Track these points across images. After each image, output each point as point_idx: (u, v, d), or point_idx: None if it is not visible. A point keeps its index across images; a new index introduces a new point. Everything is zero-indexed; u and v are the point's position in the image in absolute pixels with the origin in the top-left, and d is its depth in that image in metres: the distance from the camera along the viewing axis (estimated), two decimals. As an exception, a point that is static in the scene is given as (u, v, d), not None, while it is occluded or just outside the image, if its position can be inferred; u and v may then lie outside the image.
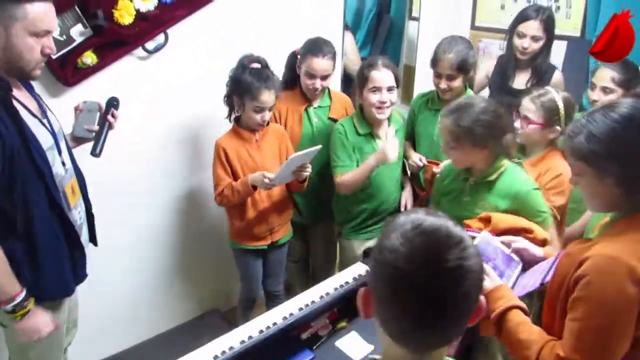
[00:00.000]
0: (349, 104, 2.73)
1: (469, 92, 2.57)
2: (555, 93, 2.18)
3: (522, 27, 2.76)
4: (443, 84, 2.46)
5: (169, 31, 2.33)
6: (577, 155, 1.34)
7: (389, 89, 2.35)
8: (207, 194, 2.65)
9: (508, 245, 1.78)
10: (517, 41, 2.80)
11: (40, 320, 1.71)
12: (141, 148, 2.45)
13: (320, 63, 2.46)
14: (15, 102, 1.62)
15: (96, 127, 1.92)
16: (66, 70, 2.11)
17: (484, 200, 2.01)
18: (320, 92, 2.56)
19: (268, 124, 2.41)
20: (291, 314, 1.81)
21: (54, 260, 1.75)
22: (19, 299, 1.65)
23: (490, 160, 1.99)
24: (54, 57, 2.04)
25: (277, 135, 2.47)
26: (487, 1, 3.65)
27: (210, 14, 2.43)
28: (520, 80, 2.87)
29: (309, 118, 2.60)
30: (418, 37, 3.63)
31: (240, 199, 2.32)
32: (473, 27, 3.74)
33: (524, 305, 1.49)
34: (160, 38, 2.33)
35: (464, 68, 2.43)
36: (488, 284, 1.52)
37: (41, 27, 1.58)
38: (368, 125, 2.43)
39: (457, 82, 2.46)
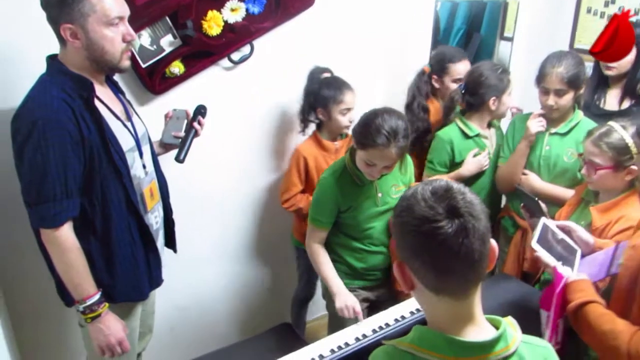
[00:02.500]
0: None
1: (578, 112, 2.38)
2: (621, 128, 1.88)
3: None
4: (550, 101, 2.28)
5: (255, 42, 2.34)
6: None
7: None
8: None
9: (564, 230, 1.79)
10: None
11: (112, 326, 1.70)
12: (223, 156, 2.46)
13: (464, 65, 2.61)
14: (99, 104, 1.65)
15: (183, 134, 1.94)
16: (154, 79, 2.17)
17: None
18: None
19: (346, 136, 2.39)
20: (364, 335, 1.72)
21: (129, 262, 1.76)
22: (89, 302, 1.64)
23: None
24: (143, 66, 2.12)
25: None
26: (590, 21, 3.42)
27: (296, 26, 2.43)
28: (612, 101, 2.62)
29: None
30: (510, 57, 3.45)
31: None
32: (572, 48, 3.52)
33: (603, 301, 1.51)
34: (246, 49, 2.34)
35: (575, 83, 2.25)
36: (571, 274, 1.59)
37: (112, 14, 1.58)
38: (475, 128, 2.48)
39: (566, 100, 2.28)
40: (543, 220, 1.81)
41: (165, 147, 2.01)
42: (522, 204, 1.99)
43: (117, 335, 1.70)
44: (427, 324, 1.06)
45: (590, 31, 3.41)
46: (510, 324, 1.03)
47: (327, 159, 2.37)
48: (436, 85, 2.66)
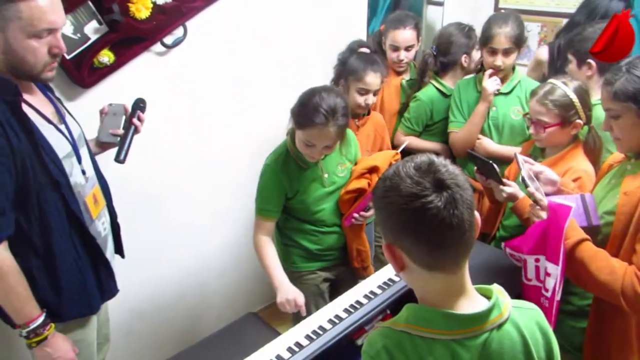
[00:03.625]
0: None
1: (517, 71, 2.46)
2: (563, 85, 1.93)
3: None
4: (498, 61, 2.37)
5: (188, 24, 2.21)
6: (621, 97, 1.48)
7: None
8: (237, 194, 2.54)
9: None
10: None
11: (60, 348, 1.58)
12: (164, 148, 2.33)
13: (402, 34, 2.58)
14: (27, 108, 1.49)
15: (121, 131, 1.80)
16: (82, 71, 2.00)
17: None
18: (406, 65, 2.69)
19: (369, 112, 2.44)
20: (338, 317, 1.70)
21: (75, 277, 1.64)
22: (33, 325, 1.52)
23: None
24: (68, 57, 1.95)
25: (376, 125, 2.48)
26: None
27: (230, 3, 2.31)
28: None
29: (403, 90, 2.71)
30: (443, 22, 3.49)
31: None
32: (497, 9, 3.60)
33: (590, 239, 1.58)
34: (179, 32, 2.21)
35: (520, 41, 2.36)
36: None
37: (40, 26, 1.42)
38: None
39: (511, 59, 2.38)
40: (520, 158, 1.84)
41: (103, 146, 1.84)
42: (476, 168, 2.01)
43: (66, 357, 1.60)
44: (405, 299, 1.07)
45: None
46: (498, 291, 1.04)
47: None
48: (383, 47, 2.73)
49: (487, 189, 2.03)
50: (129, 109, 1.83)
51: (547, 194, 1.74)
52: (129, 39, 2.08)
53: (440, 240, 0.95)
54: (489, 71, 2.42)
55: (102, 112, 1.85)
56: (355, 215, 2.05)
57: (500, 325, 0.99)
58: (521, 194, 1.89)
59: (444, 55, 2.61)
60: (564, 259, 1.56)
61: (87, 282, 1.67)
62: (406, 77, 2.76)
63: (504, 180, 1.92)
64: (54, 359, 1.57)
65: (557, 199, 1.64)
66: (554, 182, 1.81)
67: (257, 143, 2.58)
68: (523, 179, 1.77)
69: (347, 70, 2.30)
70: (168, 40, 2.19)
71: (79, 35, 1.97)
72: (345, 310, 1.74)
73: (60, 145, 1.56)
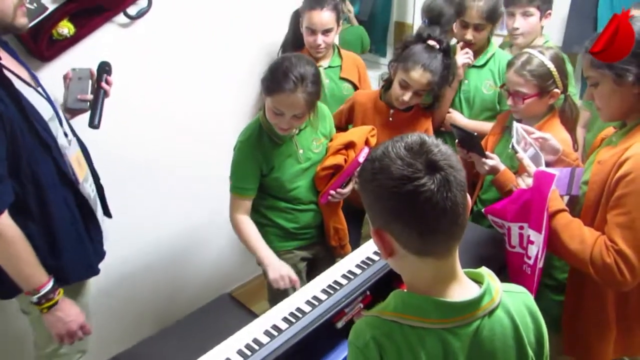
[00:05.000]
0: (360, 63, 2.61)
1: (493, 44, 2.40)
2: (540, 54, 1.91)
3: None
4: (469, 35, 2.30)
5: (153, -7, 2.10)
6: (598, 63, 1.46)
7: None
8: (207, 170, 2.47)
9: (538, 140, 1.81)
10: None
11: (71, 312, 1.61)
12: (133, 121, 2.23)
13: (319, 16, 2.33)
14: (8, 73, 1.46)
15: (90, 96, 1.74)
16: (40, 43, 1.88)
17: None
18: (324, 50, 2.42)
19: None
20: (316, 298, 1.66)
21: (74, 240, 1.65)
22: (44, 290, 1.54)
23: None
24: (25, 28, 1.82)
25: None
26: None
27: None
28: None
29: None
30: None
31: None
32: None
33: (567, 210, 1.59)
34: (143, 2, 2.10)
35: (493, 17, 2.28)
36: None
37: None
38: None
39: (484, 34, 2.31)
40: (516, 126, 1.81)
41: (71, 112, 1.78)
42: (457, 141, 1.98)
43: (78, 321, 1.63)
44: (393, 285, 1.02)
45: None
46: (489, 276, 1.01)
47: None
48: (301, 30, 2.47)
49: (466, 162, 2.00)
50: (95, 72, 1.76)
51: (547, 163, 1.74)
52: (90, 9, 1.96)
53: (434, 225, 0.91)
54: (460, 44, 2.37)
55: (66, 77, 1.77)
56: (332, 192, 2.00)
57: (491, 312, 0.96)
58: (502, 167, 1.88)
59: (435, 27, 2.52)
60: (547, 227, 1.56)
61: (84, 243, 1.69)
62: (324, 64, 2.49)
63: (487, 153, 1.89)
64: (65, 323, 1.60)
65: (547, 170, 1.62)
66: (556, 151, 1.80)
67: (227, 118, 2.50)
68: (513, 146, 1.75)
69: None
70: (132, 10, 2.07)
71: (35, 4, 1.84)
72: (324, 291, 1.70)
73: (43, 108, 1.54)
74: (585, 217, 1.59)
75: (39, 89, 1.58)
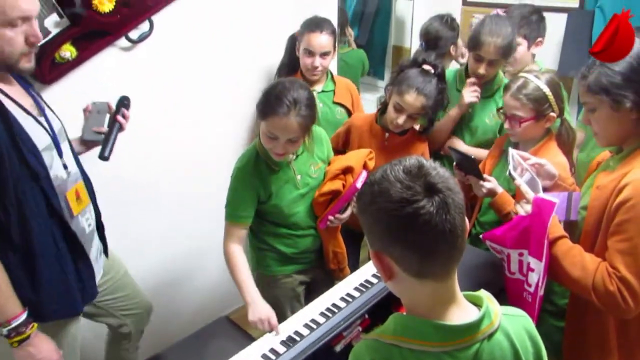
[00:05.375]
0: (353, 88, 2.61)
1: (500, 74, 2.40)
2: (535, 78, 1.92)
3: None
4: (482, 70, 2.28)
5: (154, 18, 2.13)
6: (595, 89, 1.47)
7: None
8: (206, 193, 2.47)
9: (533, 165, 1.80)
10: None
11: (43, 349, 1.54)
12: (133, 144, 2.23)
13: (318, 39, 2.35)
14: (4, 99, 1.47)
15: (105, 129, 1.78)
16: (43, 66, 1.90)
17: None
18: (321, 73, 2.43)
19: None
20: (314, 321, 1.65)
21: (57, 274, 1.59)
22: (15, 323, 1.48)
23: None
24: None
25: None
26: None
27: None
28: None
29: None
30: (413, 16, 3.46)
31: None
32: (465, 2, 3.60)
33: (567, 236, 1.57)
34: (145, 26, 2.13)
35: (509, 53, 2.27)
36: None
37: (14, 14, 1.39)
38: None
39: (496, 69, 2.31)
40: (512, 152, 1.81)
41: (87, 144, 1.81)
42: (455, 164, 1.99)
43: (50, 358, 1.56)
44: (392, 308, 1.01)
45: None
46: (488, 299, 1.01)
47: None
48: (297, 53, 2.49)
49: (464, 185, 2.01)
50: (113, 107, 1.80)
51: (544, 189, 1.73)
52: (92, 33, 1.99)
53: (433, 247, 0.91)
54: (471, 79, 2.35)
55: (85, 110, 1.81)
56: (331, 217, 2.00)
57: (491, 335, 0.96)
58: (500, 189, 1.88)
59: (433, 49, 2.57)
60: (548, 255, 1.55)
61: (69, 280, 1.62)
62: (318, 88, 2.49)
63: (484, 175, 1.90)
64: None
65: (546, 197, 1.62)
66: (552, 177, 1.80)
67: (225, 142, 2.52)
68: (510, 173, 1.75)
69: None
70: (133, 35, 2.11)
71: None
72: (322, 314, 1.70)
73: (39, 137, 1.53)
74: (584, 242, 1.58)
75: (41, 118, 1.57)
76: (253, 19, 2.48)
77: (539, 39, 2.49)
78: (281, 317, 1.78)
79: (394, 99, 2.16)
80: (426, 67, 2.15)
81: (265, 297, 1.89)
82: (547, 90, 1.91)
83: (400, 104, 2.13)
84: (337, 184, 1.99)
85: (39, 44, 1.81)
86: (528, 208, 1.62)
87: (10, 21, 1.39)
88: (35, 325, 1.53)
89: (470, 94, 2.32)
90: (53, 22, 1.89)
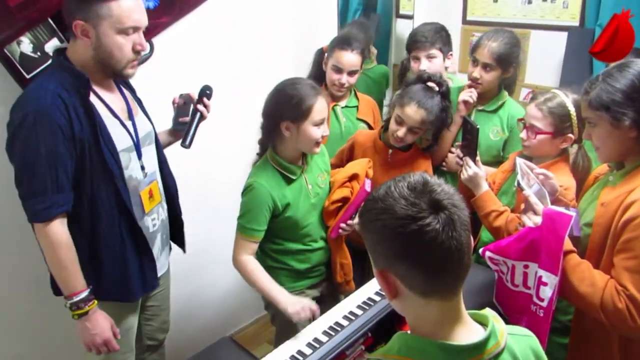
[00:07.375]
0: (375, 106, 2.66)
1: (504, 92, 2.41)
2: (564, 96, 1.89)
3: None
4: (476, 73, 2.31)
5: (155, 40, 2.15)
6: (595, 105, 1.48)
7: None
8: (214, 209, 2.47)
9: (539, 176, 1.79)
10: None
11: (98, 325, 1.68)
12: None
13: (348, 57, 2.40)
14: (97, 101, 1.64)
15: (188, 118, 1.91)
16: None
17: None
18: (346, 90, 2.49)
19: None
20: (317, 340, 1.64)
21: (117, 261, 1.74)
22: (76, 298, 1.63)
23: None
24: (28, 76, 1.88)
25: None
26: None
27: (197, 18, 2.27)
28: None
29: (336, 117, 2.51)
30: (412, 35, 3.48)
31: None
32: (465, 21, 3.62)
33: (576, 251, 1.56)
34: (145, 48, 2.13)
35: (503, 62, 2.28)
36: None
37: (127, 23, 1.57)
38: None
39: (491, 76, 2.30)
40: (519, 161, 1.80)
41: (174, 134, 1.99)
42: (460, 143, 1.99)
43: (103, 335, 1.69)
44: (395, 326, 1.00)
45: (480, 4, 3.53)
46: (493, 318, 0.98)
47: None
48: (324, 67, 2.51)
49: (468, 201, 2.00)
50: (194, 97, 1.92)
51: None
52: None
53: (439, 265, 0.89)
54: (468, 82, 2.39)
55: (173, 102, 1.97)
56: (342, 225, 2.01)
57: (497, 355, 0.94)
58: (485, 186, 1.91)
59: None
60: (563, 269, 1.53)
61: (129, 269, 1.77)
62: (342, 103, 2.54)
63: (477, 159, 1.96)
64: (91, 334, 1.68)
65: (559, 210, 1.59)
66: (554, 191, 1.79)
67: (235, 159, 2.51)
68: (519, 183, 1.73)
69: None
70: (134, 57, 2.12)
71: (39, 53, 1.89)
72: (325, 333, 1.68)
73: (121, 139, 1.69)
74: (589, 259, 1.56)
75: (128, 122, 1.72)
76: (249, 40, 2.51)
77: (450, 53, 2.58)
78: (291, 334, 1.76)
79: (396, 112, 2.18)
80: (430, 84, 2.17)
81: (279, 316, 1.90)
82: (572, 109, 1.88)
83: (401, 116, 2.15)
84: (345, 192, 2.04)
85: (39, 70, 1.89)
86: (537, 220, 1.60)
87: (124, 30, 1.57)
88: (95, 302, 1.67)
89: (465, 93, 2.34)
90: (53, 47, 1.89)
